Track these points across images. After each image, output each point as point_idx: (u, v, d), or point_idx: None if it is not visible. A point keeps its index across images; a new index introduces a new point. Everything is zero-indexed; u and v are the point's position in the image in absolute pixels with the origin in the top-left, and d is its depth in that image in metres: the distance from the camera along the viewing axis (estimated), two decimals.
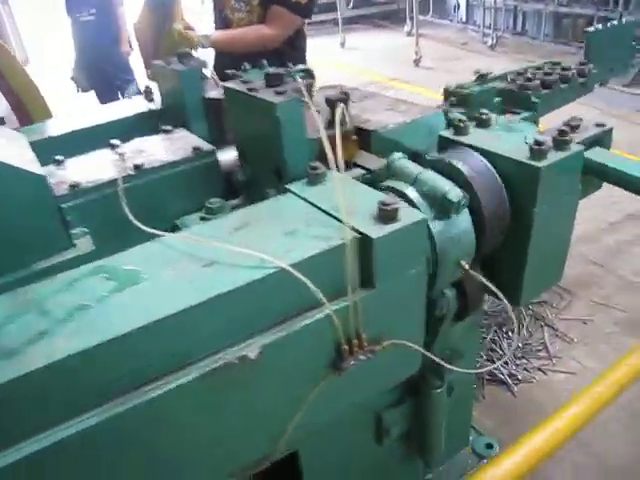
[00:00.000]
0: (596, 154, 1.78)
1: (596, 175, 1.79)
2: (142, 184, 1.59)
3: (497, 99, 2.34)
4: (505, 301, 1.30)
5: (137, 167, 1.59)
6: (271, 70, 1.52)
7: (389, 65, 8.46)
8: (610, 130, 1.91)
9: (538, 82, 2.50)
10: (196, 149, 1.66)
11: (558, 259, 1.56)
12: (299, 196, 1.25)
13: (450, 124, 1.58)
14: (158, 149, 1.74)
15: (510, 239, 1.43)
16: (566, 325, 2.98)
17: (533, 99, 2.42)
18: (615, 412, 2.47)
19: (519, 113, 2.43)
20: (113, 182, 1.50)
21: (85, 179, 1.58)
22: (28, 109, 3.13)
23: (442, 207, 1.23)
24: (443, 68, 7.72)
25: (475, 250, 1.33)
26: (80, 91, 5.99)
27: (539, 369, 2.69)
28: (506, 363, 2.67)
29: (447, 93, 2.28)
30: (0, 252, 1.25)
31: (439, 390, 1.73)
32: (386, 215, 1.08)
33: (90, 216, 1.52)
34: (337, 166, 1.13)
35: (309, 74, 2.34)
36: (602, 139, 1.89)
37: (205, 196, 1.61)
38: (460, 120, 1.52)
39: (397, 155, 1.35)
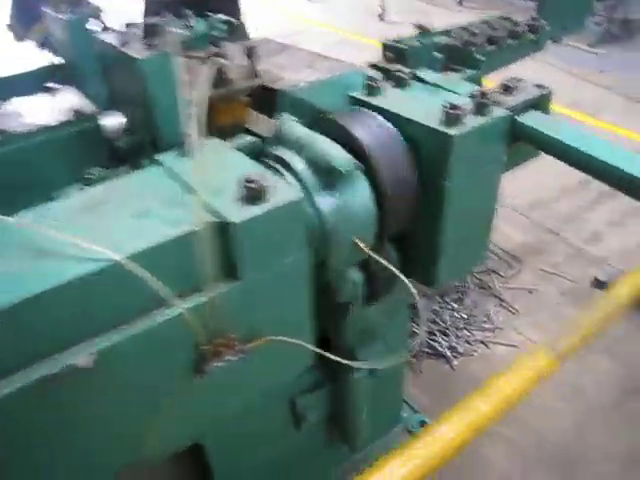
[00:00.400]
0: (530, 118, 1.61)
1: (528, 142, 1.63)
2: (8, 152, 1.38)
3: (439, 55, 2.15)
4: (412, 290, 1.14)
5: (1, 132, 1.38)
6: (149, 20, 1.30)
7: (353, 18, 8.10)
8: (549, 92, 1.74)
9: (484, 38, 2.32)
10: (77, 112, 1.45)
11: (480, 237, 1.41)
12: (167, 169, 1.07)
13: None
14: (36, 111, 1.52)
15: (423, 215, 1.27)
16: (512, 295, 2.89)
17: (477, 56, 2.23)
18: (555, 387, 2.40)
19: (462, 71, 2.26)
20: None
21: None
22: None
23: (329, 177, 1.06)
24: (408, 23, 7.38)
25: (378, 228, 1.17)
26: (17, 40, 5.56)
27: (481, 342, 2.60)
28: (447, 335, 2.57)
29: (384, 48, 2.08)
30: None
31: (356, 375, 1.60)
32: (252, 195, 0.91)
33: None
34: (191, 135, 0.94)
35: (230, 25, 2.11)
36: (541, 102, 1.73)
37: (90, 165, 1.42)
38: (373, 79, 1.33)
39: (285, 117, 1.17)
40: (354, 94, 1.34)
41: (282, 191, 0.93)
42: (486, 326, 2.67)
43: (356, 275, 1.28)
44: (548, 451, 2.16)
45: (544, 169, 3.43)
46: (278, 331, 1.03)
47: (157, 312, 0.89)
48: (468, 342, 2.59)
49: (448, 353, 2.49)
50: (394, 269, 1.11)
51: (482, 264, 2.92)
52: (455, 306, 2.74)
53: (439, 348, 2.51)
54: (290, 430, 1.71)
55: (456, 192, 1.22)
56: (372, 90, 1.33)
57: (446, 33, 2.42)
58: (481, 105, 1.21)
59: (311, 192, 1.05)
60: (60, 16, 1.71)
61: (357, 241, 1.06)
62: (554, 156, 1.60)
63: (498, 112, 1.23)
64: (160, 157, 1.11)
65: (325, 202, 1.07)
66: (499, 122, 1.23)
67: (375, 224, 1.13)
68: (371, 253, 1.09)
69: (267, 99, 1.50)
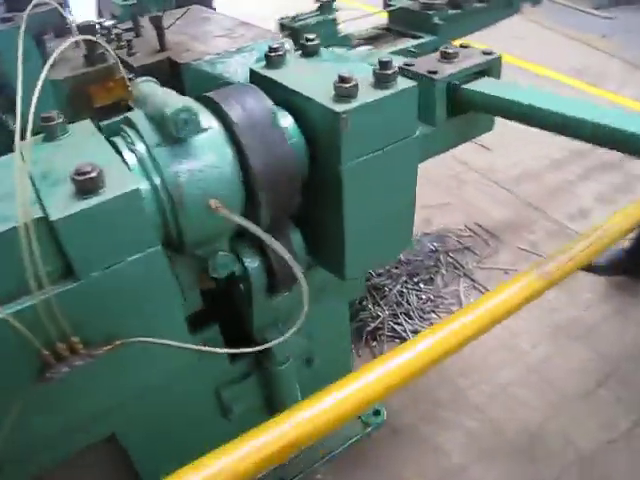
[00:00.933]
0: (479, 85, 1.47)
1: (479, 109, 1.49)
2: None
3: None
4: (299, 275, 1.03)
5: None
6: None
7: None
8: (498, 59, 1.59)
9: (445, 0, 2.15)
10: None
11: (396, 225, 1.29)
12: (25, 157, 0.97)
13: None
14: None
15: (323, 202, 1.17)
16: (487, 275, 2.77)
17: (435, 20, 2.08)
18: (523, 375, 2.30)
19: (421, 37, 2.10)
20: None
21: None
22: None
23: (164, 128, 0.93)
24: None
25: (251, 211, 1.06)
26: None
27: None
28: (411, 318, 2.47)
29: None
30: None
31: (283, 367, 1.52)
32: (82, 188, 0.81)
33: None
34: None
35: None
36: (489, 69, 1.58)
37: None
38: (274, 49, 1.21)
39: (142, 79, 1.07)
40: (253, 66, 1.23)
41: (119, 182, 0.83)
42: (454, 308, 2.56)
43: (253, 265, 1.19)
44: (509, 442, 2.07)
45: (533, 139, 3.27)
46: (140, 332, 0.95)
47: None
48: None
49: (411, 337, 2.40)
50: (270, 240, 0.99)
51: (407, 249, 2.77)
52: (423, 287, 2.64)
53: (402, 332, 2.42)
54: (220, 420, 1.64)
55: (355, 176, 1.10)
56: (272, 61, 1.21)
57: None
58: (382, 77, 1.08)
59: (152, 151, 0.94)
60: None
61: (212, 202, 0.95)
62: (509, 118, 1.46)
63: (403, 84, 1.10)
64: (22, 144, 1.02)
65: (164, 157, 0.94)
66: (402, 95, 1.10)
67: (238, 189, 1.01)
68: (232, 216, 0.95)
69: (176, 74, 1.39)
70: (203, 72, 1.36)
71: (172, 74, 1.37)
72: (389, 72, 1.09)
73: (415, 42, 2.01)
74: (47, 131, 1.00)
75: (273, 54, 1.20)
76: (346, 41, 1.95)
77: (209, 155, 0.96)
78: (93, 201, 0.81)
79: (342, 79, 1.03)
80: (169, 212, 0.95)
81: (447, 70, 1.45)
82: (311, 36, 1.27)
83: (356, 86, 1.04)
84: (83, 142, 0.98)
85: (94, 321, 0.90)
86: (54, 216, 0.79)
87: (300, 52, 1.27)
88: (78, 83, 1.07)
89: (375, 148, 1.11)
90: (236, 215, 0.96)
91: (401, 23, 2.16)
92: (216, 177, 0.96)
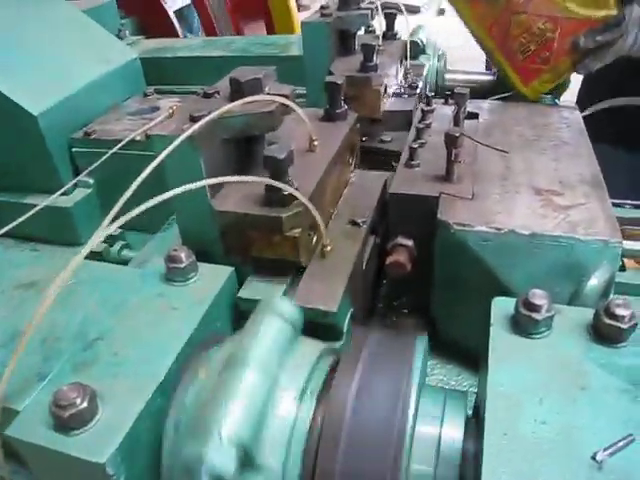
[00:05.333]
0: None
1: None
2: None
3: None
4: None
5: None
6: None
7: None
8: None
9: None
10: None
11: None
12: None
13: None
14: None
15: None
16: None
17: None
18: None
19: None
20: None
21: None
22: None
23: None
24: None
25: None
26: None
27: None
28: None
29: None
30: None
31: None
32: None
33: None
34: None
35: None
36: None
37: None
38: (533, 306, 0.67)
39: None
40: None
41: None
42: None
43: None
44: None
45: None
46: None
47: None
48: None
49: None
50: None
51: None
52: None
53: None
54: None
55: None
56: (518, 324, 0.67)
57: None
58: None
59: None
60: None
61: None
62: None
63: None
64: None
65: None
66: None
67: None
68: None
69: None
70: (463, 244, 0.90)
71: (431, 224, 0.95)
72: None
73: None
74: (167, 271, 0.79)
75: (526, 320, 0.67)
76: None
77: None
78: None
79: None
80: None
81: None
82: (626, 313, 0.66)
83: None
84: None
85: None
86: None
87: (594, 333, 0.67)
88: (235, 222, 0.81)
89: None
90: None
91: None
92: None
